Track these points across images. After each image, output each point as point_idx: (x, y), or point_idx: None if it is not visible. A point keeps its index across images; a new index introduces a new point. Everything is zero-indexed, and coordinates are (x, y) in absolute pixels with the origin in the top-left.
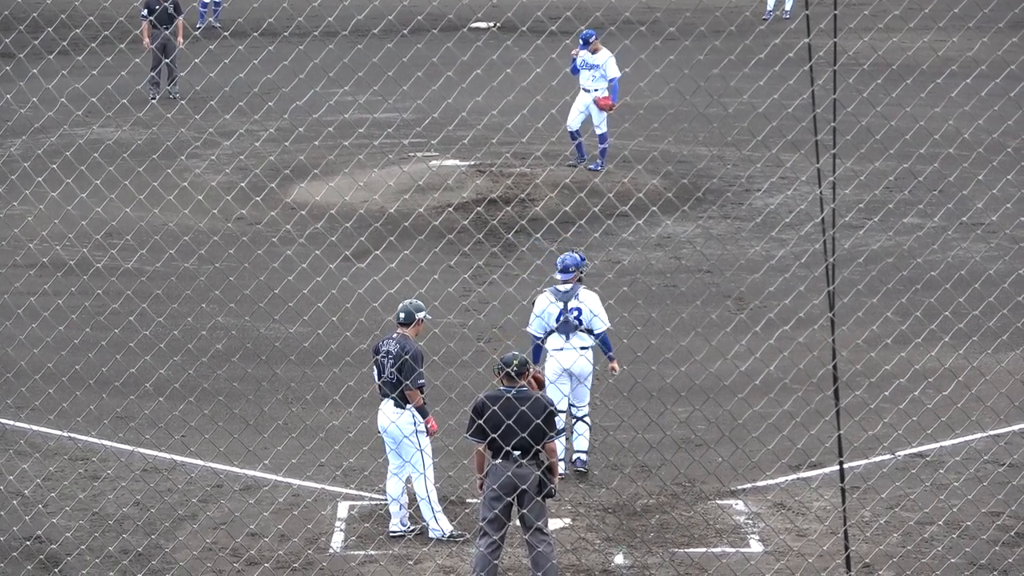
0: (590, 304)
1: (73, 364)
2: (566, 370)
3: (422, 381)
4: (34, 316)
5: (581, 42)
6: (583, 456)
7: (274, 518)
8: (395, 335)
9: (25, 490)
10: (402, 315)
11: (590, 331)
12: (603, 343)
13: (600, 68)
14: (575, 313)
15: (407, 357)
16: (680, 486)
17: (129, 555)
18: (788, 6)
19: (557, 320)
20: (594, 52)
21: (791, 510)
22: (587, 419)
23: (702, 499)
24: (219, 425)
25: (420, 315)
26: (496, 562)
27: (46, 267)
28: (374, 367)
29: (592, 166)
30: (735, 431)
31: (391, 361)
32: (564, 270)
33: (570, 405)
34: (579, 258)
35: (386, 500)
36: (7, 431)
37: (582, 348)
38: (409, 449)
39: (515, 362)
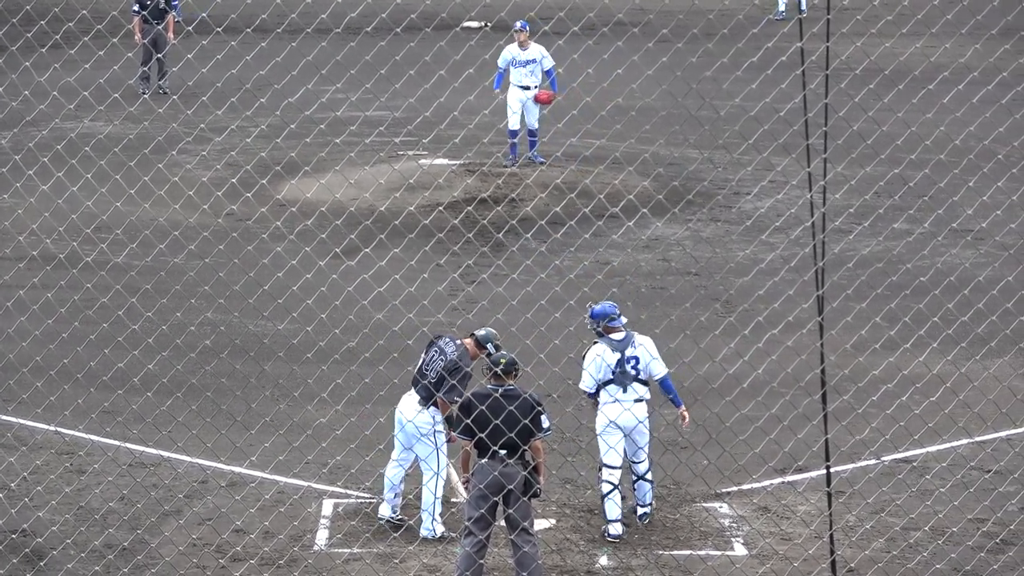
0: (648, 348)
1: (61, 358)
2: (617, 424)
3: (457, 398)
4: (22, 309)
5: (517, 24)
6: (647, 510)
7: (259, 515)
8: (460, 341)
9: (11, 484)
10: (480, 332)
11: (645, 382)
12: (665, 388)
13: (536, 62)
14: (632, 362)
15: (468, 370)
16: (666, 488)
17: (114, 550)
18: (782, 7)
19: (614, 371)
20: (524, 47)
21: (776, 514)
22: (649, 475)
23: (687, 501)
24: (206, 421)
25: (488, 346)
26: (481, 562)
27: (35, 260)
28: (422, 354)
29: (537, 158)
30: (722, 434)
31: (441, 362)
32: (614, 318)
33: (630, 462)
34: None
35: (371, 498)
36: None
37: (636, 400)
38: (424, 449)
39: (503, 361)
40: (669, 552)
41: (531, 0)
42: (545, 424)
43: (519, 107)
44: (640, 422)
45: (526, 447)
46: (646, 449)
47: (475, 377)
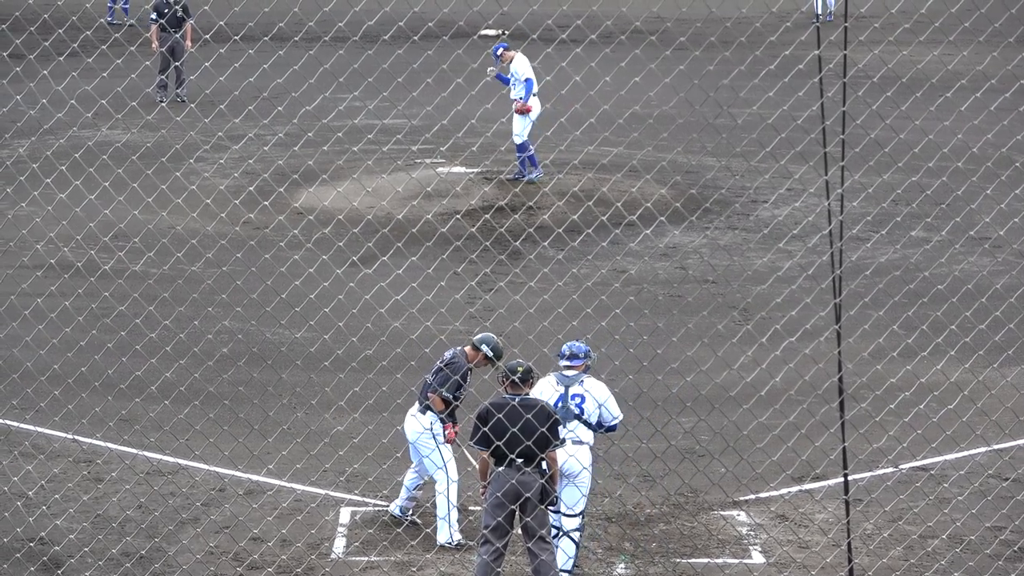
0: (596, 393)
1: (78, 366)
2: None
3: (447, 394)
4: (40, 318)
5: (494, 58)
6: None
7: (277, 523)
8: (460, 348)
9: (29, 492)
10: (476, 337)
11: (590, 425)
12: (608, 428)
13: (515, 74)
14: (577, 400)
15: (447, 369)
16: (683, 496)
17: (131, 558)
18: (831, 7)
19: (556, 405)
20: (509, 62)
21: (794, 522)
22: (575, 535)
23: (705, 509)
24: (223, 429)
25: (482, 347)
26: (499, 570)
27: (53, 268)
28: None
29: (530, 176)
30: (739, 442)
31: (436, 366)
32: (570, 357)
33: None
34: (585, 347)
35: (388, 506)
36: (12, 432)
37: (575, 442)
38: (423, 451)
39: (520, 369)
40: (687, 560)
41: (548, 8)
42: (562, 433)
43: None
44: (585, 466)
45: (543, 456)
46: (582, 502)
47: (479, 381)
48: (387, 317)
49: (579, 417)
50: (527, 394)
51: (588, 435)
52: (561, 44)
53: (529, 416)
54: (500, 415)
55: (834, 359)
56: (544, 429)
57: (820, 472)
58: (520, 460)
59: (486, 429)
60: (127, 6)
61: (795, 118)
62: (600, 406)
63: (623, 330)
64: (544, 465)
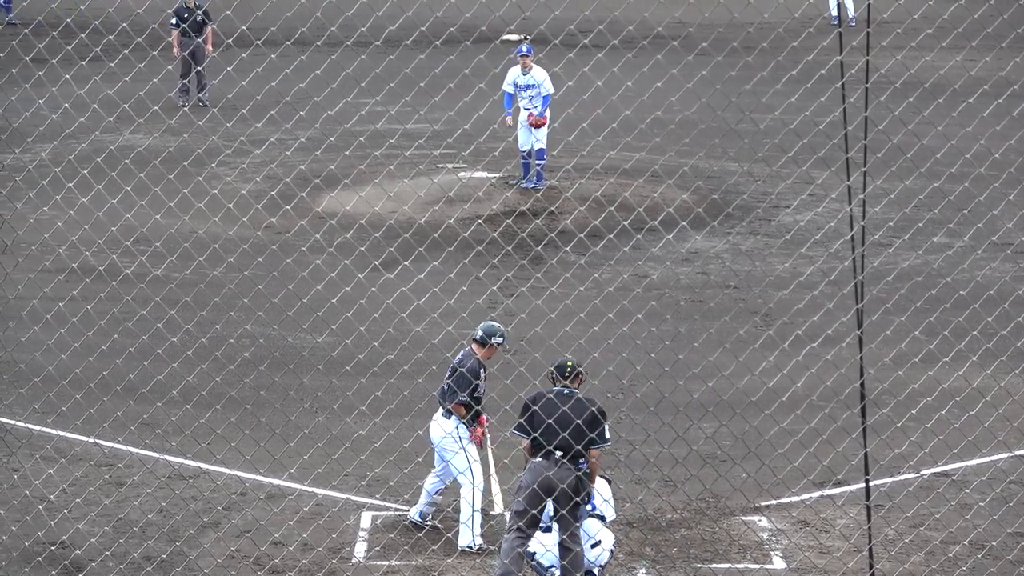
0: (602, 490)
1: (100, 370)
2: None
3: (463, 399)
4: (62, 321)
5: (524, 49)
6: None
7: (298, 527)
8: (469, 348)
9: (50, 495)
10: (478, 333)
11: (602, 518)
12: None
13: (535, 87)
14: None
15: (463, 370)
16: (705, 501)
17: (153, 562)
18: (852, 13)
19: None
20: (527, 71)
21: (815, 527)
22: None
23: (726, 515)
24: (245, 433)
25: (494, 340)
26: (522, 551)
27: (75, 273)
28: None
29: (528, 183)
30: (761, 447)
31: (450, 370)
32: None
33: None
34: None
35: (409, 510)
36: (33, 436)
37: (594, 545)
38: (447, 454)
39: (569, 365)
40: (708, 565)
41: (570, 13)
42: (607, 433)
43: (525, 129)
44: (608, 552)
45: (580, 449)
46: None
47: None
48: (408, 322)
49: (592, 513)
50: (576, 388)
51: (599, 526)
52: (583, 49)
53: (565, 408)
54: (537, 406)
55: (856, 365)
56: (582, 422)
57: (842, 477)
58: (559, 453)
59: (522, 420)
60: (8, 3)
61: (817, 123)
62: (605, 501)
63: (645, 335)
64: (581, 462)
